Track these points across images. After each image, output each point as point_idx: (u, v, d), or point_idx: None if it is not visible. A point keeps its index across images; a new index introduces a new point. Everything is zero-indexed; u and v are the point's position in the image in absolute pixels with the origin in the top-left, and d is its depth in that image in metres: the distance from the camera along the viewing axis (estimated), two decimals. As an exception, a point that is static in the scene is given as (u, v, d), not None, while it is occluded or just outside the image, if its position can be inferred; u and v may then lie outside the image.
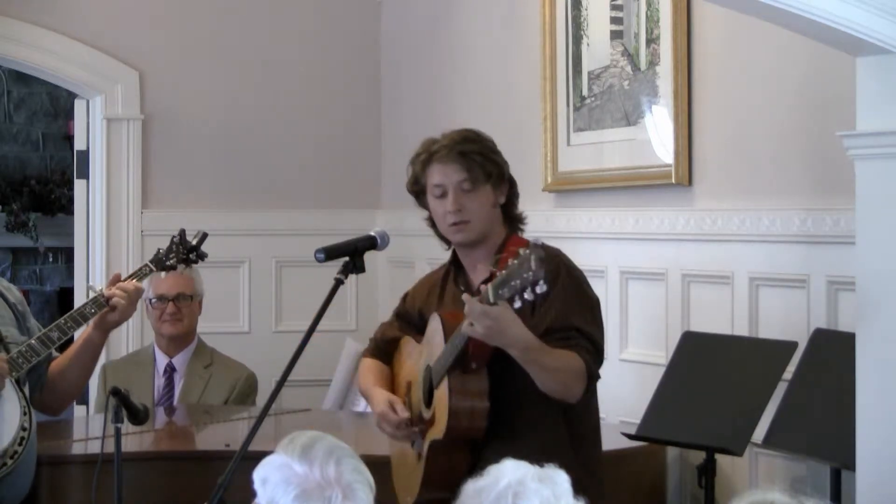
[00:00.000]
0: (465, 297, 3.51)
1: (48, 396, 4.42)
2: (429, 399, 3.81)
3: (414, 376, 3.93)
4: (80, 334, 4.50)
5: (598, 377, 3.80)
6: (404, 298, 4.12)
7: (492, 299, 3.40)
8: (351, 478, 2.48)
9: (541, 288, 3.29)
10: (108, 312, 4.33)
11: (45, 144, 10.91)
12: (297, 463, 2.49)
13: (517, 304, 3.35)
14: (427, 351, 3.86)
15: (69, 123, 9.89)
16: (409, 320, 4.06)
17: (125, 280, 4.39)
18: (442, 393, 3.71)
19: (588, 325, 3.75)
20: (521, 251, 3.31)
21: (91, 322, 4.36)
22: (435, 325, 3.80)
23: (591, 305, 3.83)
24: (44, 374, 4.38)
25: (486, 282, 3.52)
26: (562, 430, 3.78)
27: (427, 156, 3.85)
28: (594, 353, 3.76)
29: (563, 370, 3.66)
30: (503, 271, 3.35)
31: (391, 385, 4.02)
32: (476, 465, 3.63)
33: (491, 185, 3.83)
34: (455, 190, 3.81)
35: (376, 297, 6.97)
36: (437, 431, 3.72)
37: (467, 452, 3.73)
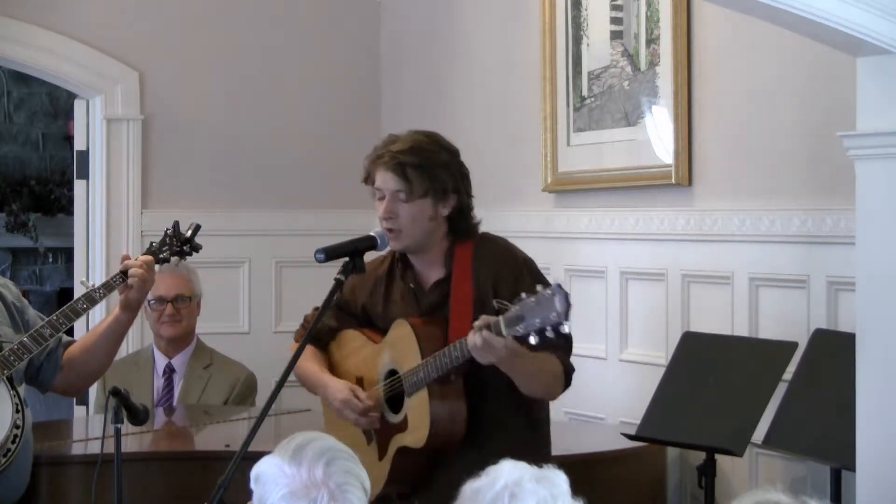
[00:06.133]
0: (484, 334, 3.52)
1: (69, 376, 4.38)
2: (394, 404, 3.86)
3: (367, 373, 3.97)
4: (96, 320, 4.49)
5: (573, 371, 3.86)
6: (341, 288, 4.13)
7: (505, 334, 3.45)
8: (341, 479, 2.49)
9: (564, 329, 3.37)
10: (127, 290, 4.30)
11: (45, 145, 10.90)
12: (287, 463, 2.51)
13: (533, 341, 3.40)
14: (391, 355, 3.89)
15: (69, 124, 9.88)
16: (349, 311, 4.08)
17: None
18: (419, 402, 3.76)
19: None
20: (540, 290, 3.38)
21: (117, 305, 4.35)
22: (403, 331, 3.83)
23: None
24: (59, 358, 4.37)
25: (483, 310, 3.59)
26: (523, 425, 3.85)
27: (375, 157, 3.89)
28: (567, 348, 3.83)
29: (544, 373, 3.76)
30: (516, 306, 3.42)
31: (332, 374, 4.06)
32: (441, 463, 3.73)
33: (431, 199, 3.84)
34: (390, 197, 3.85)
35: (376, 297, 6.97)
36: (415, 440, 3.78)
37: (432, 452, 3.79)
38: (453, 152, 3.93)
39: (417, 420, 3.77)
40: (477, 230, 3.94)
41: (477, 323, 3.57)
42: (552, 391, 3.85)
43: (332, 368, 4.09)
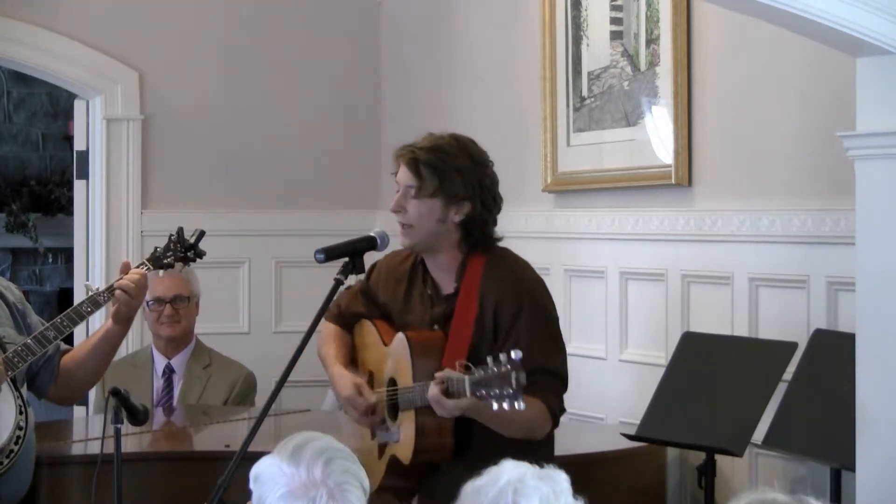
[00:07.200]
0: (435, 394, 3.56)
1: (63, 388, 4.41)
2: (393, 412, 3.87)
3: (377, 371, 3.98)
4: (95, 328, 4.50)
5: (563, 412, 3.86)
6: (369, 275, 4.10)
7: (468, 394, 3.45)
8: (340, 479, 2.49)
9: (519, 405, 3.36)
10: (117, 303, 4.30)
11: (45, 145, 10.90)
12: (285, 463, 2.51)
13: (494, 408, 3.39)
14: (393, 362, 3.90)
15: (69, 124, 9.88)
16: (374, 301, 4.09)
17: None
18: (409, 422, 3.78)
19: (552, 359, 3.79)
20: (504, 361, 3.36)
21: (110, 316, 4.36)
22: (402, 343, 3.84)
23: (552, 333, 3.86)
24: (56, 367, 4.37)
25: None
26: (518, 442, 3.77)
27: (400, 152, 3.93)
28: (559, 388, 3.81)
29: (519, 419, 3.66)
30: (482, 371, 3.41)
31: (351, 358, 4.07)
32: (435, 473, 3.73)
33: (440, 201, 3.84)
34: (403, 192, 3.87)
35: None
36: (403, 456, 3.79)
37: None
38: (477, 161, 3.90)
39: (406, 438, 3.80)
40: (493, 244, 3.91)
41: (439, 375, 3.58)
42: (535, 433, 3.77)
43: (354, 351, 4.10)
